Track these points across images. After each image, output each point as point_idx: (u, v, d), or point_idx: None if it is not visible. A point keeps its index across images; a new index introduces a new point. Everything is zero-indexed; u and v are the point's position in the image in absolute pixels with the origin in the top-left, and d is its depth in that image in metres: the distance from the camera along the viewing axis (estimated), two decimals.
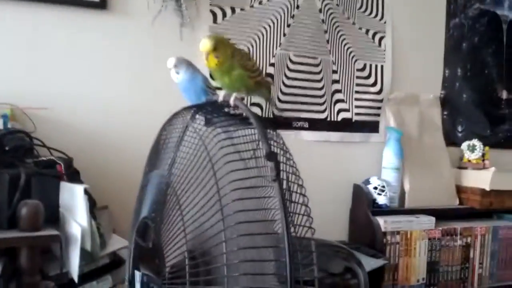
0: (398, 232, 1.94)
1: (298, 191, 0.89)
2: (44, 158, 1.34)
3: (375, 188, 2.04)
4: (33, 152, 1.38)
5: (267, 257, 0.84)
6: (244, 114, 0.99)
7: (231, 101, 1.05)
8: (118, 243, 1.42)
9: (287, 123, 2.01)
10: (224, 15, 1.88)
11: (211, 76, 1.36)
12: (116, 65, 1.74)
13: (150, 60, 1.78)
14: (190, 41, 1.80)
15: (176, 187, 1.01)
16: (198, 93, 1.23)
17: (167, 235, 0.99)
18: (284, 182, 0.88)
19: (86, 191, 1.28)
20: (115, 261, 1.42)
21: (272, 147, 0.89)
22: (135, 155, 1.57)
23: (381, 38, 2.17)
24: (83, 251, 1.25)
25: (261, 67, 1.93)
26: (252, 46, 1.93)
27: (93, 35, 1.70)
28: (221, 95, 1.09)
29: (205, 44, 1.10)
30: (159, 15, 1.77)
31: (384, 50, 2.18)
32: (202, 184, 0.93)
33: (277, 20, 1.97)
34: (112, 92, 1.73)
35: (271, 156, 0.86)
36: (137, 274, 1.08)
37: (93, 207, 1.38)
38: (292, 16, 1.99)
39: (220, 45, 1.11)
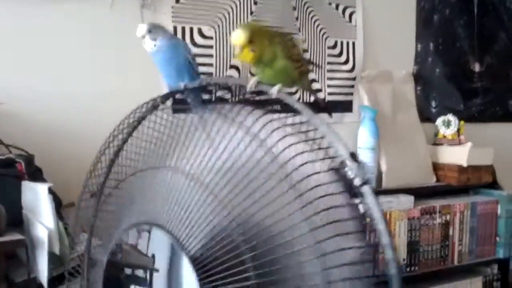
0: None
1: None
2: (2, 157, 1.27)
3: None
4: None
5: None
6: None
7: (274, 93, 0.97)
8: None
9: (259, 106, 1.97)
10: None
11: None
12: (75, 53, 1.66)
13: (111, 45, 1.70)
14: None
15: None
16: (181, 67, 1.10)
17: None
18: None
19: (50, 190, 1.21)
20: None
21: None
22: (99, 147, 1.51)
23: (351, 13, 2.15)
24: (51, 254, 1.19)
25: (228, 50, 1.89)
26: (218, 26, 1.88)
27: (48, 22, 1.62)
28: (252, 81, 1.00)
29: (239, 37, 0.95)
30: None
31: (355, 26, 2.16)
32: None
33: None
34: (72, 82, 1.64)
35: (354, 156, 0.79)
36: None
37: (59, 207, 1.33)
38: None
39: (257, 36, 0.98)
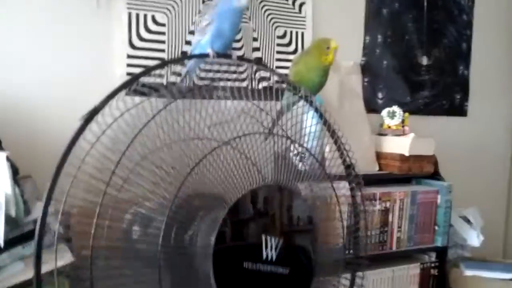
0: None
1: None
2: None
3: (296, 155, 2.32)
4: None
5: None
6: None
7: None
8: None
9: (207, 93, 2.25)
10: None
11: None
12: (33, 35, 1.94)
13: (68, 28, 1.99)
14: (107, 10, 2.03)
15: None
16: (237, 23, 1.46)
17: None
18: None
19: (8, 158, 1.48)
20: None
21: None
22: (60, 124, 1.82)
23: (301, 4, 2.44)
24: (7, 217, 1.44)
25: (179, 36, 2.18)
26: (171, 13, 2.16)
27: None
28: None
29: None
30: None
31: (305, 17, 2.46)
32: None
33: None
34: (33, 62, 1.93)
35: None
36: None
37: (16, 175, 1.59)
38: None
39: None
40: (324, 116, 1.51)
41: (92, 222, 1.11)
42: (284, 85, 1.55)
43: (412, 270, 2.47)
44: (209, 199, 1.18)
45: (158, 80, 1.99)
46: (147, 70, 1.37)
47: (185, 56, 1.53)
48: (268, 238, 1.23)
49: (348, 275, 1.64)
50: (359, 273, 1.66)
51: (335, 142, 1.52)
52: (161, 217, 1.10)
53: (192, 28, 2.19)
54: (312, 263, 1.35)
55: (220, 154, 1.20)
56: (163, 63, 1.55)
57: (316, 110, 2.34)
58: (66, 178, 1.16)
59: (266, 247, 1.22)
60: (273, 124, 1.35)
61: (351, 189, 1.65)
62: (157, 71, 1.39)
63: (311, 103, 1.47)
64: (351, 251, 1.69)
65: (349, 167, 1.60)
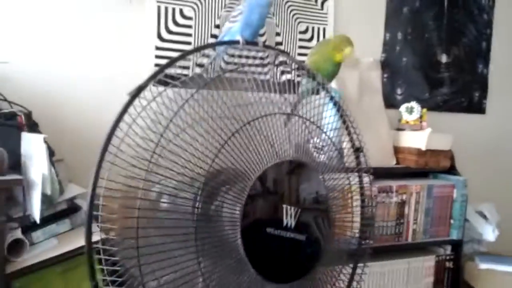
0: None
1: None
2: (5, 111, 1.63)
3: (315, 147, 2.39)
4: None
5: None
6: None
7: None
8: (75, 191, 1.74)
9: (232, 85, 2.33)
10: None
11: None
12: (69, 24, 2.05)
13: (101, 20, 2.10)
14: (138, 3, 2.14)
15: None
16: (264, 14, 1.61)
17: None
18: None
19: (45, 140, 1.57)
20: (72, 207, 1.74)
21: None
22: (90, 111, 1.93)
23: (323, 1, 2.52)
24: (43, 195, 1.53)
25: (206, 29, 2.26)
26: (198, 7, 2.24)
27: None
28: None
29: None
30: None
31: (326, 13, 2.53)
32: None
33: None
34: (67, 51, 2.05)
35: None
36: None
37: (52, 156, 1.68)
38: None
39: None
40: (333, 98, 1.58)
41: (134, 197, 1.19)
42: (302, 71, 1.65)
43: (428, 262, 2.52)
44: (232, 175, 1.28)
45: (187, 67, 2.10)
46: (186, 53, 1.46)
47: (219, 42, 1.65)
48: (288, 207, 1.36)
49: (350, 266, 1.72)
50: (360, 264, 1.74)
51: (344, 122, 1.60)
52: (191, 190, 1.21)
53: (217, 22, 2.27)
54: (324, 233, 1.46)
55: (243, 134, 1.30)
56: (201, 47, 1.67)
57: (333, 101, 2.44)
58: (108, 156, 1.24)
59: (286, 216, 1.35)
60: (292, 109, 1.45)
61: (359, 178, 1.72)
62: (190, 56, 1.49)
63: (326, 89, 1.56)
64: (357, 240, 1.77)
65: (358, 150, 1.67)
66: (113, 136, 1.21)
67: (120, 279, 1.21)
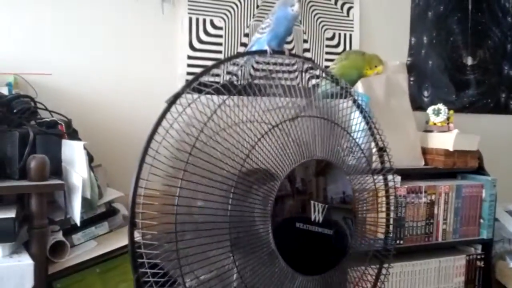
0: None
1: None
2: (47, 119, 1.68)
3: (345, 150, 2.40)
4: (37, 115, 1.73)
5: None
6: None
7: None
8: (113, 194, 1.79)
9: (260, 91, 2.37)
10: None
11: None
12: (107, 36, 2.13)
13: (136, 32, 2.18)
14: (170, 15, 2.20)
15: None
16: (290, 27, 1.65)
17: None
18: None
19: (84, 147, 1.62)
20: (110, 210, 1.78)
21: None
22: (125, 120, 2.01)
23: (349, 8, 2.54)
24: (83, 199, 1.56)
25: (235, 38, 2.31)
26: (228, 17, 2.29)
27: (85, 7, 2.09)
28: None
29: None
30: None
31: (352, 20, 2.55)
32: None
33: None
34: (104, 62, 2.12)
35: None
36: None
37: (91, 161, 1.73)
38: None
39: None
40: (356, 101, 1.62)
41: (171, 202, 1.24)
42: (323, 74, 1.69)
43: (458, 262, 2.50)
44: (263, 174, 1.31)
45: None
46: (219, 62, 1.52)
47: (248, 52, 1.69)
48: (315, 203, 1.40)
49: (376, 266, 1.74)
50: (385, 265, 1.76)
51: (367, 123, 1.63)
52: (225, 189, 1.26)
53: (247, 31, 2.31)
54: (350, 229, 1.50)
55: (272, 136, 1.33)
56: (232, 57, 1.71)
57: (357, 104, 2.45)
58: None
59: (314, 211, 1.39)
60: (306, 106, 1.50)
61: (384, 177, 1.74)
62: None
63: (350, 93, 1.60)
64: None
65: (381, 149, 1.69)
66: (152, 140, 1.25)
67: (162, 280, 1.25)
